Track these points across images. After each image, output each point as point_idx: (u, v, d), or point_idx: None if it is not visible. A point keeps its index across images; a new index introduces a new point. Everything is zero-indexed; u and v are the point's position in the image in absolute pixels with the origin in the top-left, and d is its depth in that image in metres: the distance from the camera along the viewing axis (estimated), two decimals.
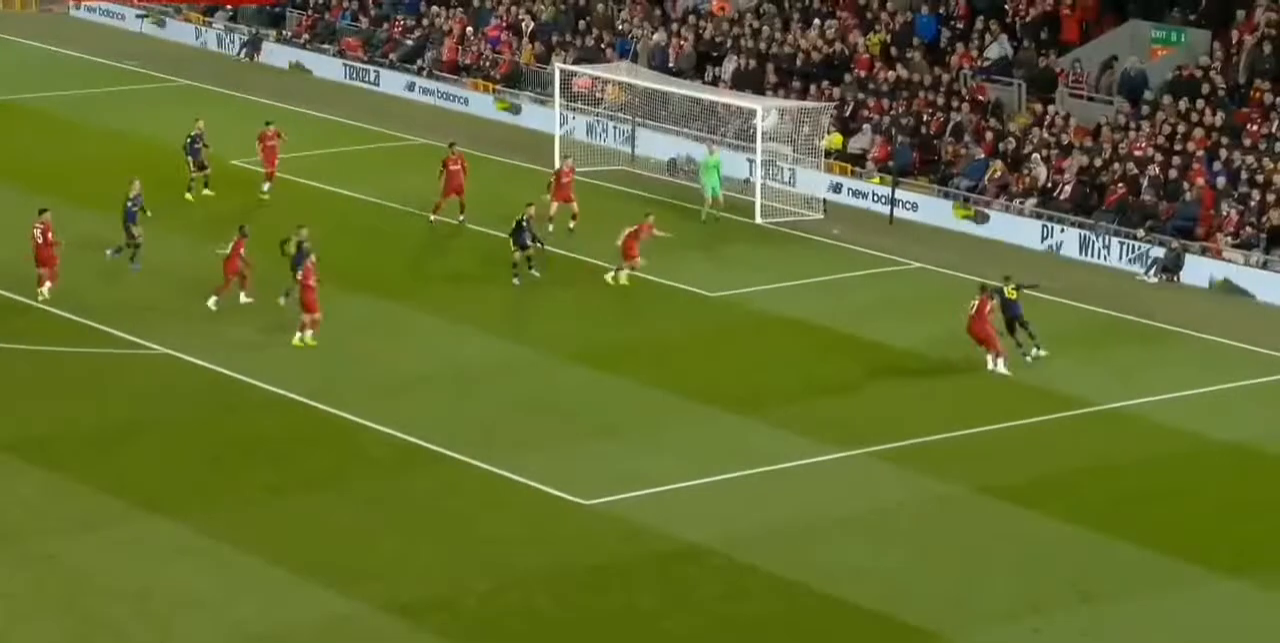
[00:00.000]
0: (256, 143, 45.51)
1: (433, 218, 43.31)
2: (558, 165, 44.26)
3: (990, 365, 35.58)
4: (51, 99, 55.14)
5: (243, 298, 38.27)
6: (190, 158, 45.52)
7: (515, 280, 39.49)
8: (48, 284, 38.16)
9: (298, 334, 36.16)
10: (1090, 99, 47.42)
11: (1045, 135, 46.13)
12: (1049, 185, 44.99)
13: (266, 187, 44.89)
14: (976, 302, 35.41)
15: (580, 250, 41.99)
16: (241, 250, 37.84)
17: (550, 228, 42.56)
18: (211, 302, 37.88)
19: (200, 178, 45.64)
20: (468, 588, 27.22)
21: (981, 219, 44.23)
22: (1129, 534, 29.24)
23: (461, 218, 43.30)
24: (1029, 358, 36.04)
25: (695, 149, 48.40)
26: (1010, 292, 36.03)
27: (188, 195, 45.26)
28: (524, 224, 39.43)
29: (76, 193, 44.11)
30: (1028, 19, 49.85)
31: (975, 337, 35.54)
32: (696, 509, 29.96)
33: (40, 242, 38.11)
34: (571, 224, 43.04)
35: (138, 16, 64.39)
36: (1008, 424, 33.42)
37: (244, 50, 60.81)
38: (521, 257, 39.54)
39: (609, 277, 39.68)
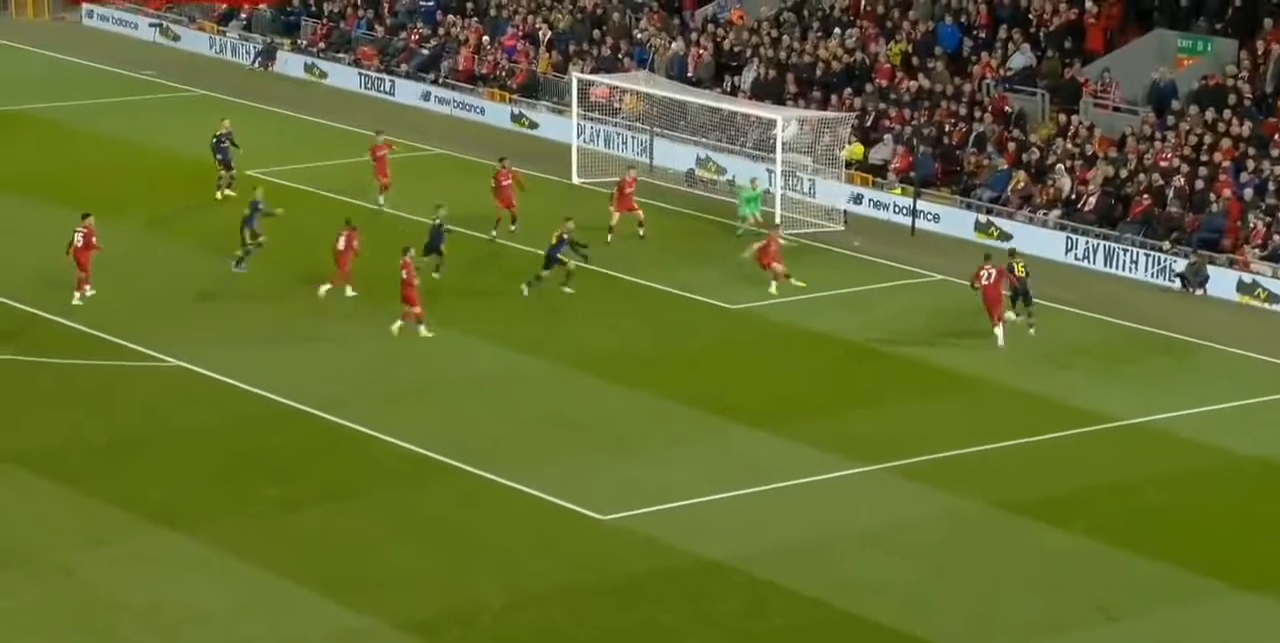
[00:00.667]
0: (369, 154, 45.70)
1: (493, 234, 43.29)
2: (621, 176, 44.50)
3: (1000, 341, 37.17)
4: (65, 109, 55.28)
5: (349, 291, 38.86)
6: (218, 157, 45.89)
7: (524, 289, 39.49)
8: (85, 289, 38.63)
9: (399, 323, 37.01)
10: (1115, 109, 47.36)
11: (1069, 146, 46.07)
12: (1073, 196, 44.93)
13: (382, 199, 45.13)
14: (995, 271, 37.25)
15: (598, 262, 41.99)
16: (354, 243, 38.69)
17: (609, 238, 42.78)
18: (323, 290, 38.74)
19: (225, 178, 46.05)
20: (483, 604, 27.18)
21: (1004, 238, 44.13)
22: (1151, 550, 29.16)
23: (514, 228, 43.36)
24: (1033, 331, 37.64)
25: (712, 155, 48.52)
26: (1020, 268, 37.93)
27: (218, 195, 45.80)
28: (565, 239, 39.53)
29: (90, 204, 44.11)
30: (1051, 28, 49.80)
31: (989, 302, 37.27)
32: (715, 525, 29.92)
33: (80, 246, 38.57)
34: (641, 231, 43.39)
35: (150, 26, 64.62)
36: (1029, 439, 33.35)
37: (258, 59, 60.95)
38: (555, 272, 39.48)
39: (773, 289, 39.87)
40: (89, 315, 38.15)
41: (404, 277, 37.00)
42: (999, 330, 37.19)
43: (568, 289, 39.70)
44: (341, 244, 38.92)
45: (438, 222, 39.86)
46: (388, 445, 32.54)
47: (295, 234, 43.35)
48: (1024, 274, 38.13)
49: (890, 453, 32.42)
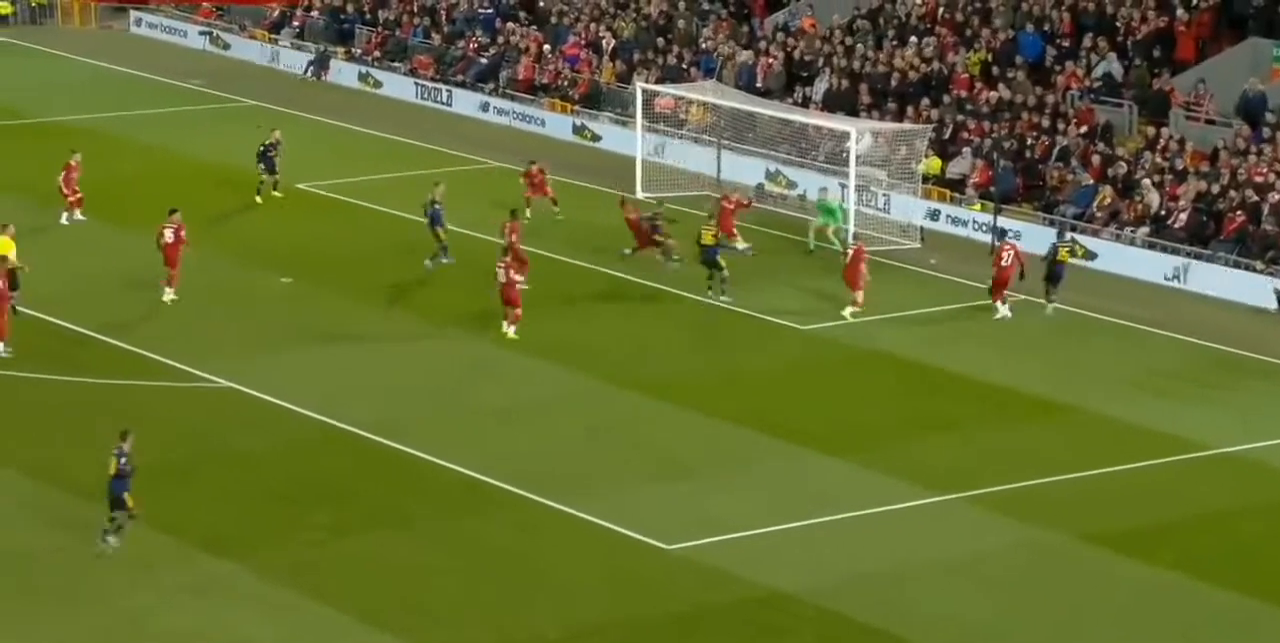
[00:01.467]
0: (522, 179, 46.14)
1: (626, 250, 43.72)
2: (719, 194, 44.99)
3: (1000, 313, 40.11)
4: (110, 119, 55.63)
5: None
6: (262, 164, 46.74)
7: (723, 299, 40.60)
8: (170, 289, 39.53)
9: (507, 327, 38.22)
10: (1208, 122, 47.10)
11: (1158, 160, 45.85)
12: (1162, 213, 44.70)
13: (557, 209, 45.88)
14: (1013, 253, 40.27)
15: (663, 281, 42.00)
16: (516, 235, 40.13)
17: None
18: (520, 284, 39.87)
19: (270, 181, 46.68)
20: (540, 636, 27.17)
21: (1090, 257, 43.93)
22: (1244, 585, 28.92)
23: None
24: (1050, 310, 40.25)
25: (782, 169, 48.48)
26: (1064, 254, 40.85)
27: (257, 198, 46.82)
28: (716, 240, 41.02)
29: (134, 218, 44.43)
30: (1139, 36, 49.62)
31: (999, 283, 40.23)
32: (783, 555, 29.84)
33: (170, 241, 39.42)
34: (753, 250, 43.97)
35: (200, 34, 65.08)
36: (1117, 468, 33.14)
37: (311, 68, 61.26)
38: (716, 276, 40.79)
39: (848, 312, 39.98)
40: (136, 334, 38.33)
41: (504, 278, 37.99)
42: (1000, 304, 39.94)
43: (724, 298, 40.56)
44: (514, 237, 39.94)
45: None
46: (444, 470, 32.58)
47: (347, 251, 43.57)
48: (1066, 260, 40.59)
49: (968, 482, 32.27)
